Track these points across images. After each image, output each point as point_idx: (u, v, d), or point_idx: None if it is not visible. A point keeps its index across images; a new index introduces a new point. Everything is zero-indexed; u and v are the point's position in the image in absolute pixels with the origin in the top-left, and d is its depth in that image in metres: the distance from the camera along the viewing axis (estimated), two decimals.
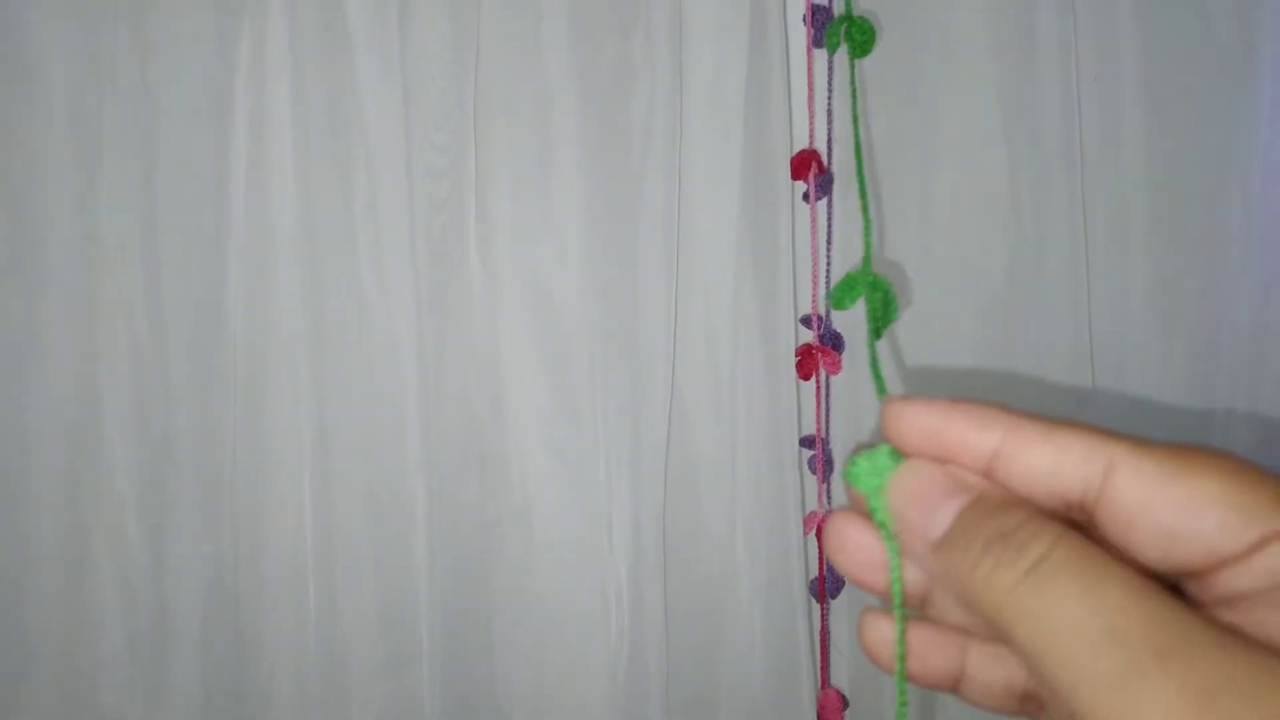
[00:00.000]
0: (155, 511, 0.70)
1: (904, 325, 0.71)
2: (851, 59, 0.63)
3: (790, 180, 0.71)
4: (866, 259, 0.34)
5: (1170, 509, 0.22)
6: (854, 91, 0.58)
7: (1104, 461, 0.23)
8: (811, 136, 0.70)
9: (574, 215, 0.70)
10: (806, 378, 0.71)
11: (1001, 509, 0.24)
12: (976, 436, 0.24)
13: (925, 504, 0.25)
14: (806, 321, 0.72)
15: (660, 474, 0.72)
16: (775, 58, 0.70)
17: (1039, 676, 0.21)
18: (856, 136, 0.49)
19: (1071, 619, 0.21)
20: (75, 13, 0.66)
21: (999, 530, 0.23)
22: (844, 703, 0.73)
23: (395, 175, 0.68)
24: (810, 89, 0.69)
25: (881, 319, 0.32)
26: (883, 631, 0.26)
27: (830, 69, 0.68)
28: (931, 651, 0.27)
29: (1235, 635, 0.21)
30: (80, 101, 0.67)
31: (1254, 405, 0.75)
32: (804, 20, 0.69)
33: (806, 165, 0.69)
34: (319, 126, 0.68)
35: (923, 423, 0.25)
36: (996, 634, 0.23)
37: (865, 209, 0.41)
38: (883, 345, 0.68)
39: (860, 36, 0.58)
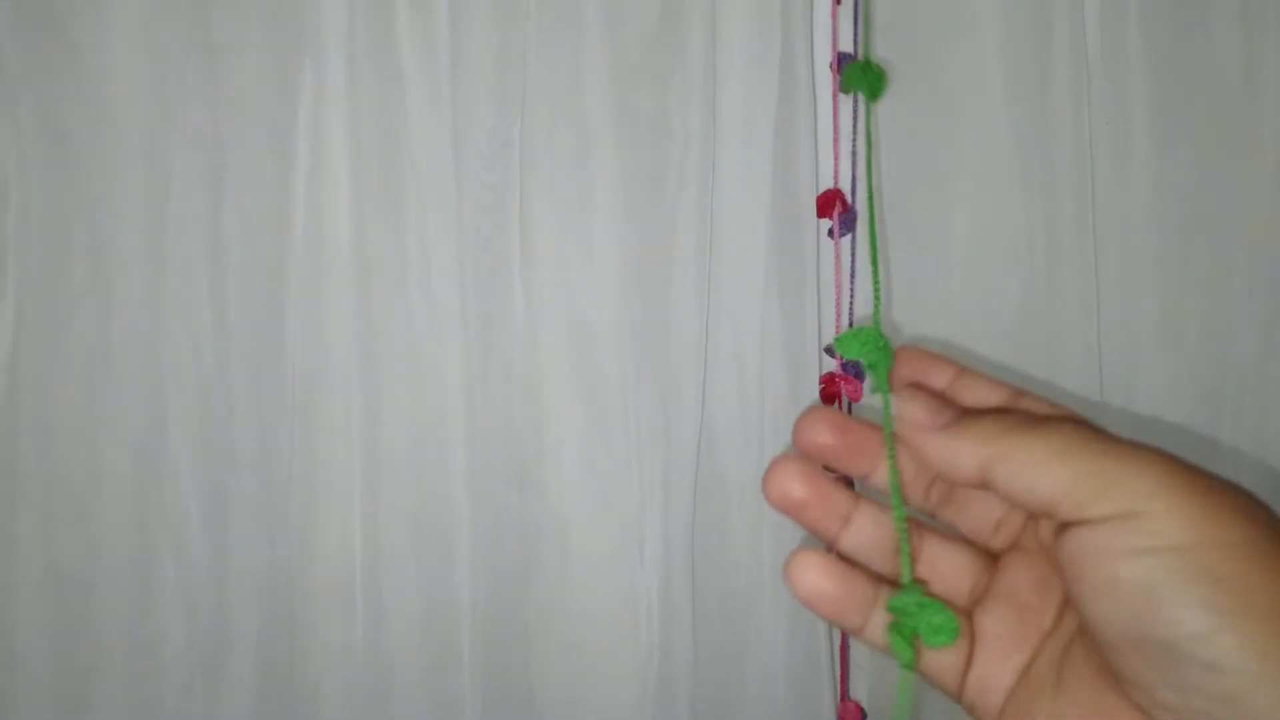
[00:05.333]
0: (216, 524, 0.74)
1: None
2: (868, 102, 0.67)
3: (816, 217, 0.75)
4: (876, 320, 0.38)
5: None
6: (868, 137, 0.62)
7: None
8: (836, 176, 0.73)
9: (612, 249, 0.73)
10: (829, 403, 0.75)
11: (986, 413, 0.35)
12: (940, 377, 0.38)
13: (931, 409, 0.34)
14: (830, 351, 0.75)
15: (690, 492, 0.75)
16: (803, 103, 0.73)
17: (1031, 500, 0.32)
18: (869, 182, 0.52)
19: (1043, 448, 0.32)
20: (150, 60, 0.71)
21: (995, 417, 0.34)
22: (862, 714, 0.77)
23: (445, 211, 0.72)
24: (835, 132, 0.73)
25: (880, 376, 0.36)
26: (811, 577, 0.36)
27: (855, 113, 0.72)
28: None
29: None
30: (153, 143, 0.71)
31: (1259, 433, 0.78)
32: (830, 67, 0.73)
33: (831, 204, 0.73)
34: (373, 165, 0.72)
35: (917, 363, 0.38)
36: (989, 483, 0.33)
37: (875, 260, 0.44)
38: None
39: (872, 81, 0.62)
